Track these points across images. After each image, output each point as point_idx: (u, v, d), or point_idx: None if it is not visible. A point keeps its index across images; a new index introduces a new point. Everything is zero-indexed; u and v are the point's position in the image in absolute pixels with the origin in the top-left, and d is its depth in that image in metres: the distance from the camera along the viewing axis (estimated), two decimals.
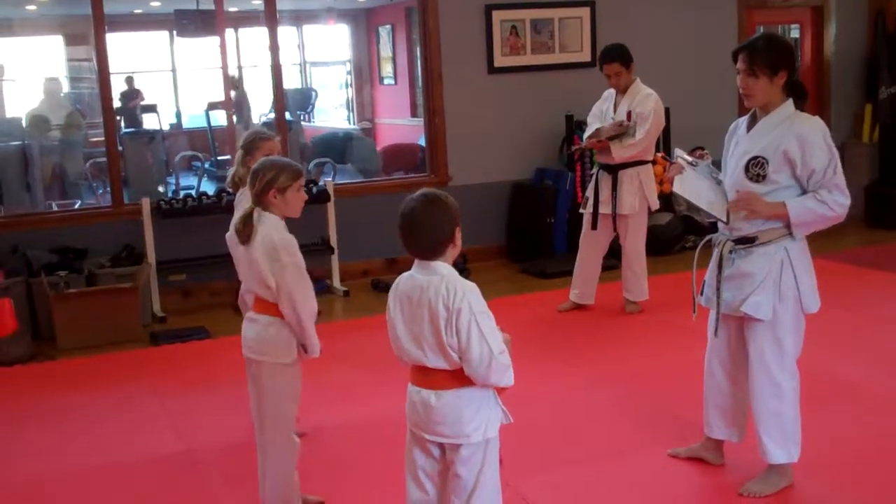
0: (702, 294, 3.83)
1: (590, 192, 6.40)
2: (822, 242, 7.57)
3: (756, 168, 3.57)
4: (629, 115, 6.15)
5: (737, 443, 3.98)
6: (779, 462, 3.73)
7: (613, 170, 6.22)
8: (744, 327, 3.73)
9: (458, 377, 2.78)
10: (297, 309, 3.37)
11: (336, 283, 7.52)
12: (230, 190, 4.47)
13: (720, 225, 3.74)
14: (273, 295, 3.40)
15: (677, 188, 3.76)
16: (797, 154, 3.51)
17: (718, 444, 4.02)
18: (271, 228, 3.39)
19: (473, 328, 2.70)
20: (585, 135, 6.39)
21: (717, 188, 3.75)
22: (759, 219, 3.58)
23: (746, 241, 3.63)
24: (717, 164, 3.93)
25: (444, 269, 2.79)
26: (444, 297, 2.72)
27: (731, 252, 3.66)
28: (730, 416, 3.91)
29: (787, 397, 3.68)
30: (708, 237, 3.84)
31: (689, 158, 3.85)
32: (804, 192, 3.58)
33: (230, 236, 4.08)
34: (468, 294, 2.73)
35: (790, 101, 3.60)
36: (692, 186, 3.74)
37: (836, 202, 3.56)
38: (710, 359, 3.92)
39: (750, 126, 3.67)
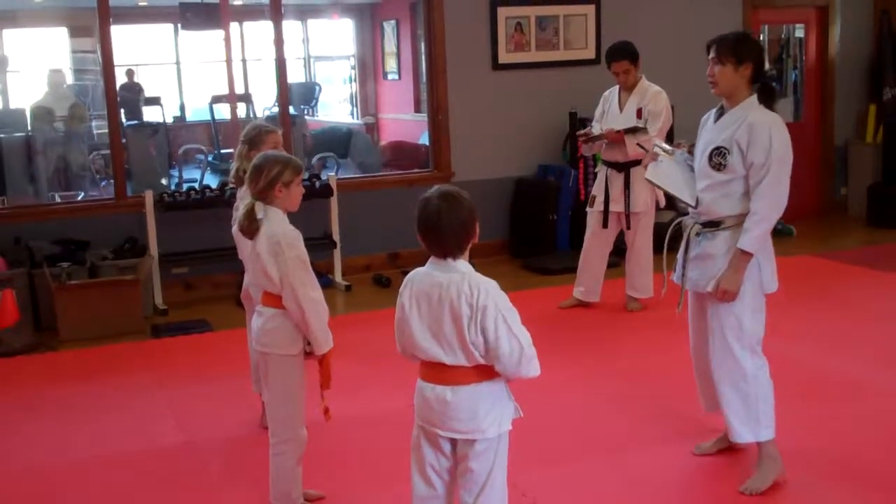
0: (674, 271, 4.01)
1: (598, 191, 6.40)
2: (825, 242, 7.54)
3: (718, 157, 3.75)
4: (639, 112, 6.15)
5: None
6: (745, 441, 3.84)
7: (623, 167, 6.22)
8: (708, 305, 3.85)
9: (475, 373, 2.78)
10: (300, 302, 3.37)
11: (338, 277, 7.53)
12: (233, 184, 4.47)
13: (690, 210, 3.92)
14: (277, 287, 3.41)
15: (650, 175, 4.00)
16: (745, 143, 3.69)
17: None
18: (275, 222, 3.41)
19: (501, 325, 2.71)
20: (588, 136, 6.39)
21: (690, 175, 3.92)
22: (738, 287, 3.71)
23: (712, 225, 3.80)
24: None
25: (463, 266, 2.78)
26: (466, 296, 2.71)
27: (697, 234, 3.84)
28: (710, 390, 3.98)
29: (750, 377, 3.78)
30: (679, 220, 4.04)
31: (668, 148, 4.04)
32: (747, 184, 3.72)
33: (238, 231, 4.08)
34: (492, 291, 2.74)
35: (755, 97, 3.77)
36: (664, 174, 3.97)
37: (767, 212, 3.70)
38: (692, 338, 4.08)
39: (717, 118, 3.85)
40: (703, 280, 3.81)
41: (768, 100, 3.80)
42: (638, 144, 5.66)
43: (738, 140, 3.70)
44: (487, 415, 2.80)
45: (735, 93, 3.77)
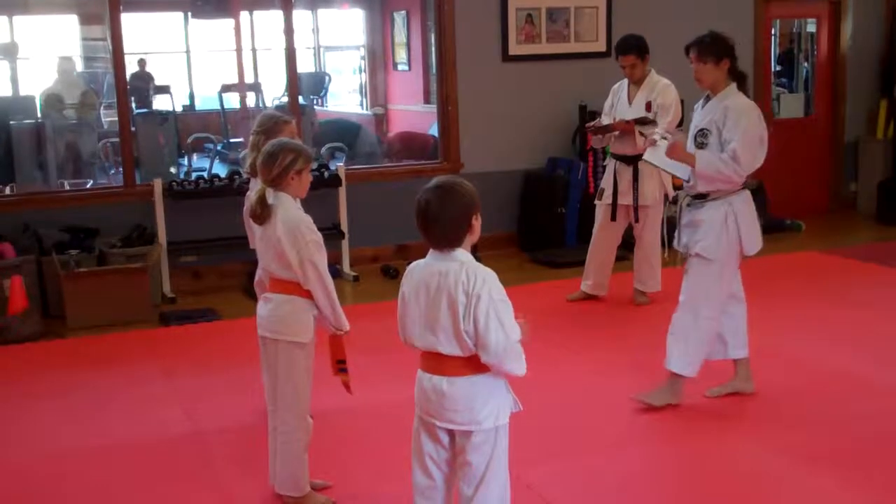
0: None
1: (606, 184, 6.38)
2: (835, 238, 7.52)
3: (701, 137, 4.41)
4: (648, 105, 6.13)
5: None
6: (675, 370, 4.49)
7: (632, 161, 6.20)
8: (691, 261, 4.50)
9: (472, 364, 2.78)
10: (324, 281, 3.46)
11: (346, 268, 7.53)
12: (247, 174, 4.47)
13: (684, 184, 4.59)
14: (291, 273, 3.46)
15: (647, 157, 4.80)
16: (721, 123, 4.32)
17: (742, 370, 4.66)
18: (291, 207, 3.48)
19: (492, 315, 2.70)
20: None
21: None
22: (676, 158, 4.43)
23: (700, 197, 4.44)
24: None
25: (462, 256, 2.78)
26: (463, 284, 2.72)
27: (688, 205, 4.50)
28: (721, 339, 4.59)
29: (700, 325, 4.44)
30: (676, 194, 4.85)
31: (666, 134, 4.84)
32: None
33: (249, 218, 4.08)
34: (488, 281, 2.73)
35: (734, 85, 4.39)
36: (660, 156, 4.64)
37: (734, 165, 4.26)
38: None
39: (704, 105, 4.49)
40: (691, 244, 4.45)
41: (742, 85, 4.40)
42: (640, 133, 5.98)
43: (717, 122, 4.33)
44: (484, 407, 2.80)
45: (717, 85, 4.40)
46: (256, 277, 4.41)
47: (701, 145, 4.38)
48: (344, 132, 11.54)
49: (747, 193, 4.44)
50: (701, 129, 4.40)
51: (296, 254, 3.43)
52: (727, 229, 4.37)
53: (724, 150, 4.30)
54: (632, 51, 6.15)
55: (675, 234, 4.60)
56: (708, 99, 4.46)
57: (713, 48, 4.35)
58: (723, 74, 4.37)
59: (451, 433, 2.87)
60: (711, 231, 4.37)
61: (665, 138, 4.71)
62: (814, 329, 5.79)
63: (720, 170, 4.28)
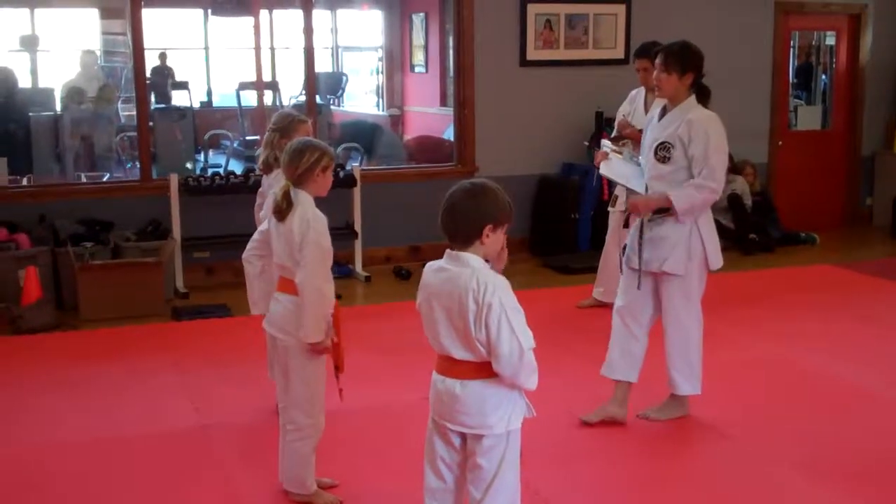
0: (624, 254, 4.53)
1: (620, 191, 6.38)
2: (848, 253, 7.48)
3: (662, 151, 4.29)
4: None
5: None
6: (685, 394, 4.48)
7: None
8: (658, 281, 4.39)
9: (484, 369, 2.77)
10: (305, 285, 3.41)
11: (358, 268, 7.55)
12: (261, 171, 4.49)
13: None
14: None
15: (604, 170, 4.77)
16: (686, 138, 4.22)
17: (624, 396, 4.49)
18: (308, 205, 3.51)
19: (504, 324, 2.69)
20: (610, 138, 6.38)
21: (637, 169, 4.55)
22: (644, 208, 4.30)
23: (662, 212, 4.31)
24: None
25: (474, 261, 2.76)
26: (473, 291, 2.70)
27: (650, 220, 4.35)
28: (633, 359, 4.47)
29: (693, 340, 4.43)
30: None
31: (615, 147, 4.83)
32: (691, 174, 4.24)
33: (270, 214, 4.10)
34: (499, 289, 2.71)
35: (693, 97, 4.30)
36: (615, 168, 4.69)
37: (708, 186, 4.19)
38: (623, 310, 4.51)
39: (661, 117, 4.38)
40: (655, 261, 4.33)
41: (705, 100, 4.33)
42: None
43: (681, 136, 4.22)
44: (495, 411, 2.80)
45: (677, 96, 4.30)
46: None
47: (663, 159, 4.27)
48: (363, 133, 11.54)
49: (709, 210, 4.37)
50: (663, 143, 4.28)
51: (300, 240, 3.44)
52: (692, 244, 4.30)
53: (691, 165, 4.20)
54: (645, 55, 6.14)
55: (628, 250, 4.48)
56: (664, 111, 4.37)
57: (680, 59, 4.27)
58: (684, 87, 4.28)
59: (462, 436, 2.87)
60: (678, 247, 4.28)
61: (619, 152, 4.78)
62: (823, 343, 5.77)
63: (696, 202, 4.21)
